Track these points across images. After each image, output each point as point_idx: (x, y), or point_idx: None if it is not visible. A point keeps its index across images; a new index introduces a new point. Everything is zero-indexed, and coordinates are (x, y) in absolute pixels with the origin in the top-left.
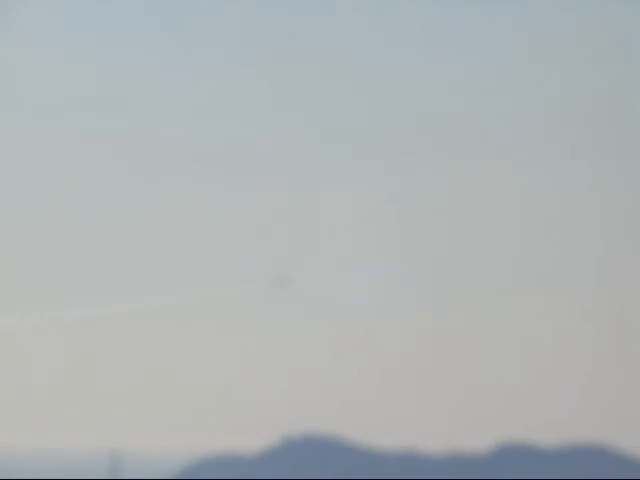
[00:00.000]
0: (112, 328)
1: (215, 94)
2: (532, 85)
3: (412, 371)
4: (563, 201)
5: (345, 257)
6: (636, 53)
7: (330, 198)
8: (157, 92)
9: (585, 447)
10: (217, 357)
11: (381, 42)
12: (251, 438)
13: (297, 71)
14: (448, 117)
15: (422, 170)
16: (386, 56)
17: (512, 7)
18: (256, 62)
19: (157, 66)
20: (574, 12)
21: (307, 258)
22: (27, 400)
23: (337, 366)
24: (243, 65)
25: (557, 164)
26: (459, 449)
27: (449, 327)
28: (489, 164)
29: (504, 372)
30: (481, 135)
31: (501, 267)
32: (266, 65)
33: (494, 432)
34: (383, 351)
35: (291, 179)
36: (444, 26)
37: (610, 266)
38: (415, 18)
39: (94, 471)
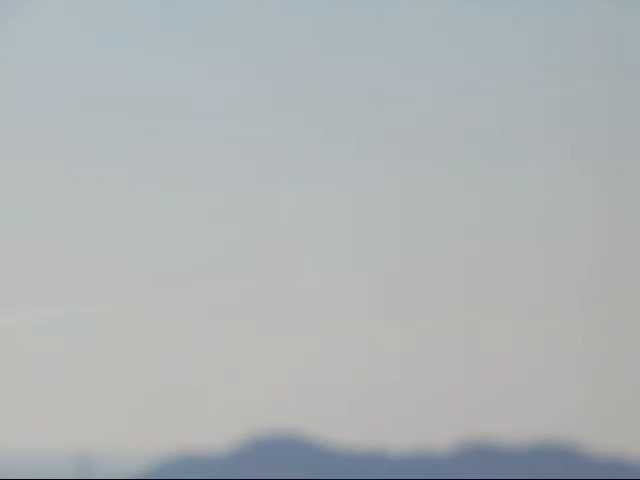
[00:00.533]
0: (111, 328)
1: (215, 94)
2: (532, 85)
3: (398, 372)
4: (563, 201)
5: (345, 256)
6: (636, 54)
7: (329, 198)
8: (157, 92)
9: (562, 448)
10: (212, 357)
11: (380, 42)
12: (237, 437)
13: (297, 71)
14: (447, 117)
15: (422, 170)
16: (385, 56)
17: (512, 7)
18: (256, 62)
19: (157, 66)
20: (574, 12)
21: (306, 257)
22: (26, 400)
23: (327, 367)
24: (243, 65)
25: (557, 164)
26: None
27: (443, 327)
28: (489, 164)
29: (497, 374)
30: (481, 135)
31: (501, 267)
32: (266, 65)
33: (492, 433)
34: (374, 351)
35: (291, 179)
36: (444, 26)
37: (611, 267)
38: (415, 18)
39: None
